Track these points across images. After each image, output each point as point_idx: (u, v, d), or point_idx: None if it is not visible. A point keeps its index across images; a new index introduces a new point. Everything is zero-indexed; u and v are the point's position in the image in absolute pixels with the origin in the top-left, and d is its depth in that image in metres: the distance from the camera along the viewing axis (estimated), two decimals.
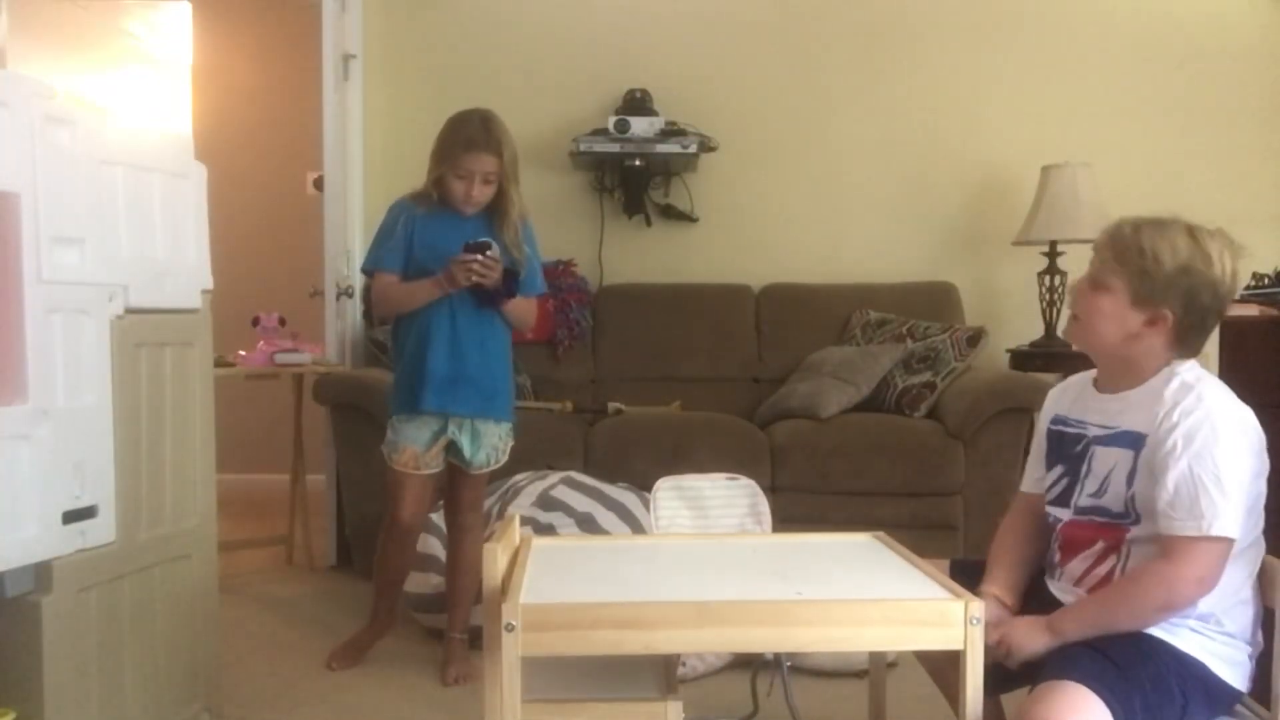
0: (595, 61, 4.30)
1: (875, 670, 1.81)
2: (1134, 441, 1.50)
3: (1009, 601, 1.62)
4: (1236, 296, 1.52)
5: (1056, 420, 1.67)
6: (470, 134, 2.56)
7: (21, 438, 1.69)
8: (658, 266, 4.28)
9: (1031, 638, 1.48)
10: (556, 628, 1.34)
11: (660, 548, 1.81)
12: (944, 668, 1.56)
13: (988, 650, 1.40)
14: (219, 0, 4.95)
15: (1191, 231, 1.51)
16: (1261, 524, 1.51)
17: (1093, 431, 1.58)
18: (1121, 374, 1.57)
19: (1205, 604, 1.45)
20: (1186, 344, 1.52)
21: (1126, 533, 1.52)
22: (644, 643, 1.35)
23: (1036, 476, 1.71)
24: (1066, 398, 1.68)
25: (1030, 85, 4.27)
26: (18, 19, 3.50)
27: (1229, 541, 1.42)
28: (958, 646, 1.35)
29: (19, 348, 1.69)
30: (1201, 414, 1.44)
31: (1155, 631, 1.45)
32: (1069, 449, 1.62)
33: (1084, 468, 1.58)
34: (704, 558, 1.70)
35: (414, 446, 2.57)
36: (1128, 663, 1.40)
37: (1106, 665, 1.39)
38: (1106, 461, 1.54)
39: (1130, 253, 1.51)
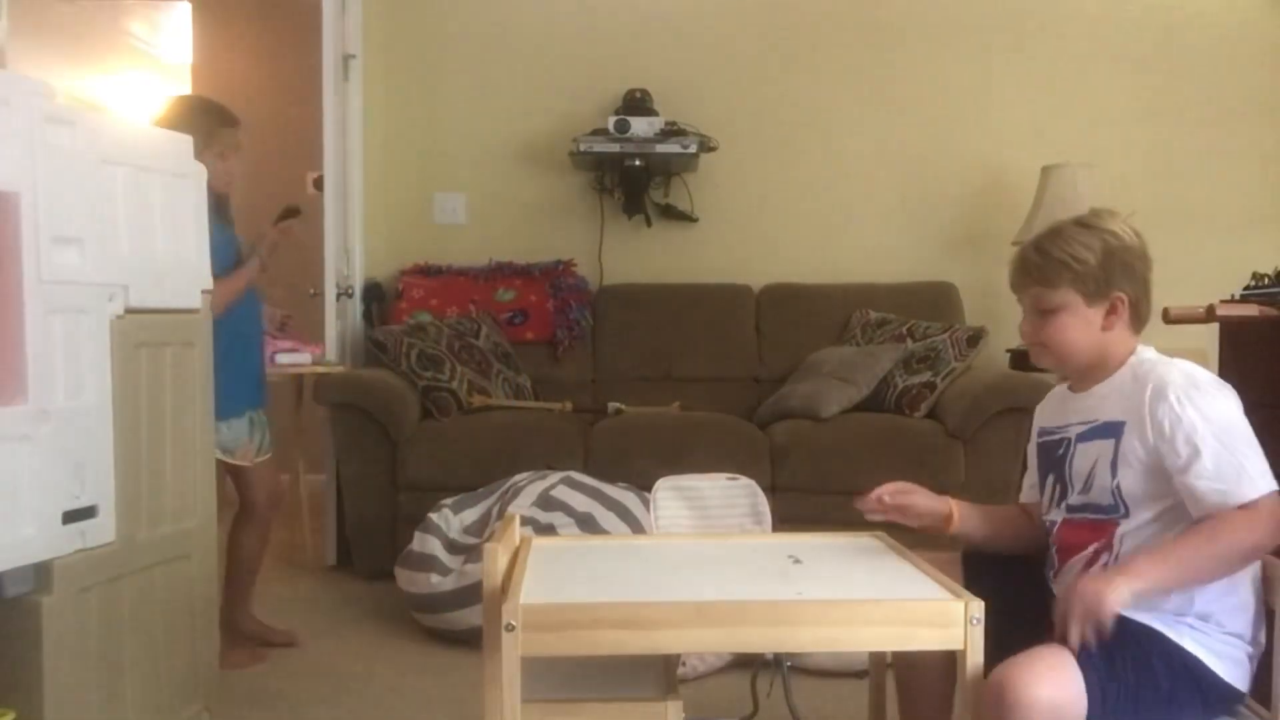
0: (595, 61, 4.30)
1: (875, 671, 1.81)
2: (1113, 430, 1.53)
3: (956, 515, 1.68)
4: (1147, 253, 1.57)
5: (1042, 433, 1.70)
6: (222, 110, 2.68)
7: (21, 438, 1.69)
8: (658, 266, 4.28)
9: (1110, 596, 1.37)
10: (556, 628, 1.34)
11: (660, 548, 1.81)
12: (917, 673, 1.57)
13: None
14: (219, 0, 4.95)
15: (1081, 222, 1.57)
16: None
17: (1073, 431, 1.61)
18: (1094, 371, 1.60)
19: (1203, 603, 1.46)
20: (1140, 316, 1.58)
21: (1116, 527, 1.53)
22: (644, 643, 1.35)
23: (1031, 483, 1.74)
24: (1049, 409, 1.71)
25: (1030, 85, 4.27)
26: (18, 19, 3.50)
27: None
28: (957, 646, 1.34)
29: (19, 348, 1.69)
30: (1177, 374, 1.49)
31: (1150, 623, 1.46)
32: (1054, 455, 1.65)
33: (1068, 469, 1.61)
34: (704, 558, 1.70)
35: (246, 440, 2.68)
36: (1114, 644, 1.41)
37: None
38: (1089, 456, 1.56)
39: (1052, 270, 1.55)
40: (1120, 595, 1.38)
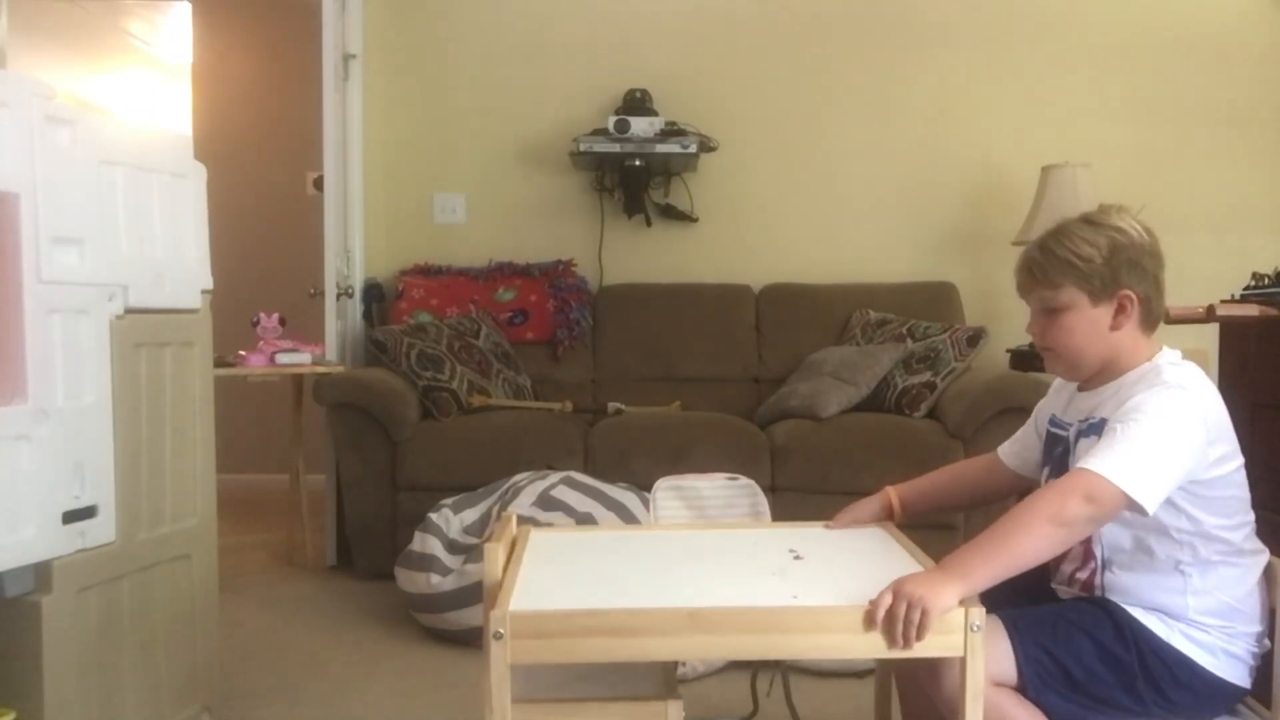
0: (595, 61, 4.30)
1: (881, 670, 1.79)
2: (1099, 429, 1.48)
3: (896, 505, 1.75)
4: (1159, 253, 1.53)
5: (1053, 422, 1.66)
6: None
7: (21, 438, 1.69)
8: (658, 266, 4.28)
9: (942, 592, 1.30)
10: (546, 636, 1.31)
11: (657, 541, 1.75)
12: (917, 679, 1.57)
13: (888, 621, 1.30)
14: (219, 0, 4.95)
15: (1087, 219, 1.52)
16: (1249, 527, 1.51)
17: (1074, 430, 1.58)
18: (1104, 373, 1.55)
19: (1198, 607, 1.45)
20: (1153, 314, 1.52)
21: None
22: (635, 650, 1.32)
23: (1015, 451, 1.76)
24: (1062, 398, 1.67)
25: (1030, 85, 4.27)
26: (18, 19, 3.50)
27: (1120, 491, 1.36)
28: (958, 653, 1.31)
29: (19, 348, 1.69)
30: (1155, 388, 1.44)
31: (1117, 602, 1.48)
32: (1055, 450, 1.62)
33: (1067, 469, 1.58)
34: (702, 552, 1.66)
35: None
36: (1046, 611, 1.48)
37: (1027, 612, 1.47)
38: (1081, 455, 1.53)
39: (1055, 269, 1.50)
40: (947, 603, 1.30)
